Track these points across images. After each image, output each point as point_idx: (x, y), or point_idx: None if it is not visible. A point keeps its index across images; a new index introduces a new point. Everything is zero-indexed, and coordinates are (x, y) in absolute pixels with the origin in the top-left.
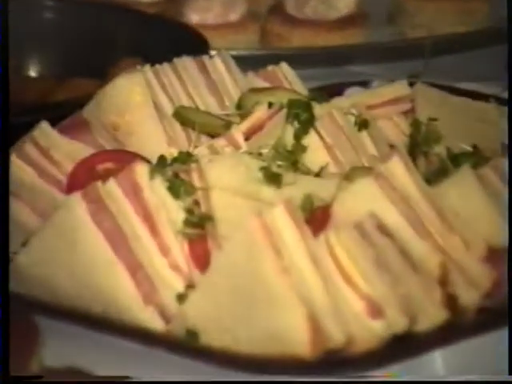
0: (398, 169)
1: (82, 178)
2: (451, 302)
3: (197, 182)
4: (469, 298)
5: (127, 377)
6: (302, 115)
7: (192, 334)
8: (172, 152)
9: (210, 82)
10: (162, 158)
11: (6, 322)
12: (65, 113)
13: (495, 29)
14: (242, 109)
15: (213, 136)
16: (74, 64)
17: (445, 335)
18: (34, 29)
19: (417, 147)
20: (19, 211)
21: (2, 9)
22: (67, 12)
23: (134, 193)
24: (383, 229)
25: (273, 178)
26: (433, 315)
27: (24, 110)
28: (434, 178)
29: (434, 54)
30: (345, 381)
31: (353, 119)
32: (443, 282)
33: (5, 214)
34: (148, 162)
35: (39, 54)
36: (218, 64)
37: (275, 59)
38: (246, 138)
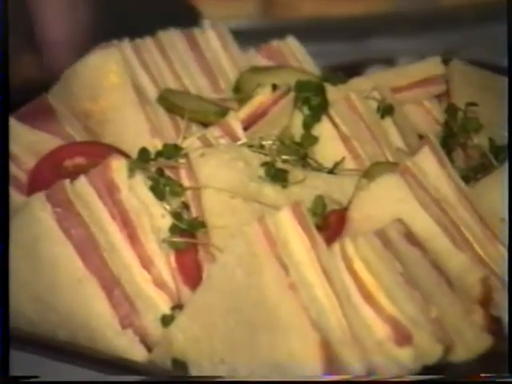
0: (430, 164)
1: (47, 176)
2: (494, 325)
3: (186, 181)
4: None
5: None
6: (312, 99)
7: (179, 364)
8: (156, 144)
9: (201, 59)
10: (143, 152)
11: (6, 323)
12: (25, 96)
13: None
14: (241, 92)
15: (205, 125)
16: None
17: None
18: None
19: (452, 138)
20: None
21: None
22: None
23: (110, 194)
24: (411, 237)
25: (277, 176)
26: (472, 342)
27: None
28: (473, 174)
29: (475, 24)
30: (344, 381)
31: (375, 104)
32: (485, 301)
33: (5, 207)
34: (127, 156)
35: None
36: (211, 38)
37: (281, 33)
38: (246, 128)
